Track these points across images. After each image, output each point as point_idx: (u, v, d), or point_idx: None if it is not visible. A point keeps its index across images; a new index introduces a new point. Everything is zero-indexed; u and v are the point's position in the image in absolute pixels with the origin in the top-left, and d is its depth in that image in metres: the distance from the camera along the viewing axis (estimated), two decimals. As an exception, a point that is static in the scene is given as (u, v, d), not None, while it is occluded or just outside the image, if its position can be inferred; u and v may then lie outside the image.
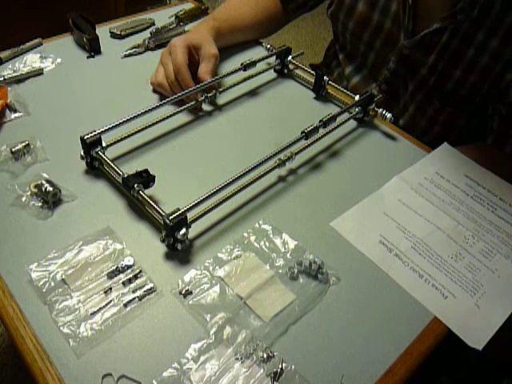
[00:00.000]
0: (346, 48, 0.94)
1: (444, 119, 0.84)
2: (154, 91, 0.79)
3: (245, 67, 0.79)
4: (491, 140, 0.78)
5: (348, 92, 0.79)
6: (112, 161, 0.61)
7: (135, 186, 0.56)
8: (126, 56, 0.87)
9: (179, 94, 0.71)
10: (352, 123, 0.77)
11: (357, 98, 0.75)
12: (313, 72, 0.82)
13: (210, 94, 0.75)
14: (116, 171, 0.60)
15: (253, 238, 0.57)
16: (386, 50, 0.84)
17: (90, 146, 0.61)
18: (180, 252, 0.55)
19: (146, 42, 0.89)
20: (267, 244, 0.57)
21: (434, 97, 0.82)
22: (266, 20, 0.94)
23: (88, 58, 0.86)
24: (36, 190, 0.58)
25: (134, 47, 0.89)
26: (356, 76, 0.94)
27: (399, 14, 0.79)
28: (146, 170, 0.59)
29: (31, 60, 0.83)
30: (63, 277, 0.51)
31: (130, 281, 0.52)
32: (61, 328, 0.47)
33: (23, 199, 0.58)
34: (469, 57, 0.74)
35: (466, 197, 0.66)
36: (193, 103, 0.74)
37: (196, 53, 0.78)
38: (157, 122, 0.69)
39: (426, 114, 0.85)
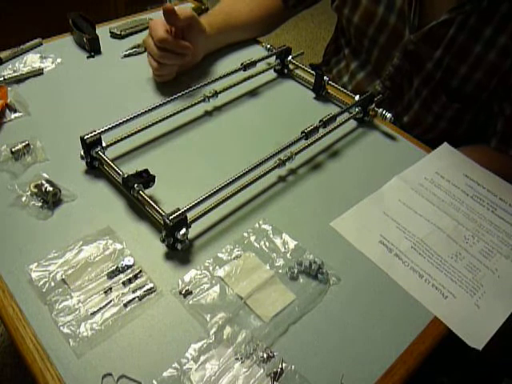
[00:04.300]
0: (352, 43, 0.94)
1: (450, 115, 0.83)
2: (154, 91, 0.79)
3: (245, 67, 0.79)
4: (495, 142, 0.78)
5: (348, 92, 0.79)
6: (112, 161, 0.61)
7: (135, 185, 0.56)
8: (125, 56, 0.87)
9: (177, 95, 0.71)
10: (352, 123, 0.77)
11: (357, 97, 0.75)
12: (313, 72, 0.82)
13: (209, 94, 0.75)
14: (116, 171, 0.60)
15: (253, 238, 0.57)
16: (391, 46, 0.84)
17: (90, 145, 0.61)
18: (180, 252, 0.55)
19: (146, 41, 0.89)
20: (267, 244, 0.57)
21: (439, 93, 0.81)
22: (264, 16, 0.94)
23: (88, 58, 0.86)
24: (36, 190, 0.58)
25: (134, 47, 0.89)
26: (361, 72, 0.94)
27: (404, 9, 0.79)
28: (146, 170, 0.59)
29: (31, 60, 0.83)
30: (63, 277, 0.51)
31: (130, 281, 0.52)
32: (61, 328, 0.47)
33: (23, 199, 0.58)
34: (476, 53, 0.74)
35: (465, 197, 0.66)
36: (193, 103, 0.74)
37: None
38: (157, 122, 0.69)
39: (432, 110, 0.84)
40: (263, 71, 0.85)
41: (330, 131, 0.71)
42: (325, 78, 0.80)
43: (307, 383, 0.45)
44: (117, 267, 0.52)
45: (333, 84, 0.81)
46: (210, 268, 0.54)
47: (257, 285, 0.52)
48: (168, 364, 0.45)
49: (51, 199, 0.58)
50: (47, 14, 1.66)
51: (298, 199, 0.63)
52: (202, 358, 0.46)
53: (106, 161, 0.61)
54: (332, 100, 0.82)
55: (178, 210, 0.53)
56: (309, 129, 0.66)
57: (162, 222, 0.53)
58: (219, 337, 0.47)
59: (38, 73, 0.80)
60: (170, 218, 0.52)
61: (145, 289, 0.51)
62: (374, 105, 0.76)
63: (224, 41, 0.89)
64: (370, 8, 0.84)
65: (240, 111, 0.78)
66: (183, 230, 0.53)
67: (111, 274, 0.52)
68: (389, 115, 0.75)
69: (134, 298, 0.50)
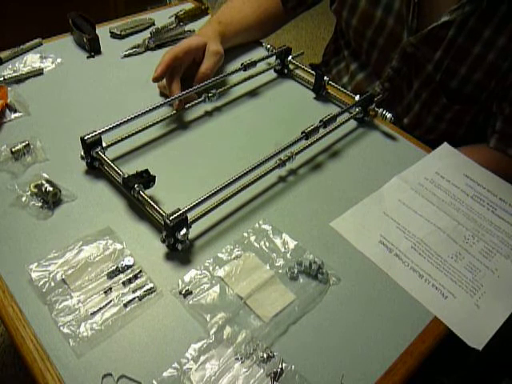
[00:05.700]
0: (351, 45, 0.94)
1: (451, 116, 0.83)
2: (154, 91, 0.79)
3: (245, 67, 0.79)
4: (494, 142, 0.78)
5: (348, 92, 0.79)
6: (112, 161, 0.61)
7: (135, 186, 0.56)
8: (125, 56, 0.87)
9: (176, 96, 0.71)
10: (352, 123, 0.77)
11: (357, 98, 0.75)
12: (313, 72, 0.82)
13: (210, 94, 0.75)
14: (116, 171, 0.60)
15: (253, 238, 0.57)
16: (389, 48, 0.84)
17: (91, 146, 0.61)
18: (180, 252, 0.55)
19: (146, 41, 0.90)
20: (267, 244, 0.57)
21: (439, 94, 0.81)
22: (267, 20, 0.95)
23: (88, 57, 0.86)
24: (36, 190, 0.58)
25: (134, 47, 0.89)
26: (360, 73, 0.94)
27: (402, 11, 0.79)
28: (147, 170, 0.59)
29: (31, 60, 0.83)
30: (63, 277, 0.51)
31: (130, 281, 0.52)
32: (61, 328, 0.47)
33: (23, 199, 0.58)
34: (475, 53, 0.74)
35: (465, 197, 0.66)
36: (193, 103, 0.74)
37: (201, 53, 0.78)
38: (157, 122, 0.69)
39: (432, 111, 0.84)
40: (263, 71, 0.85)
41: (330, 131, 0.71)
42: (325, 78, 0.80)
43: (307, 383, 0.45)
44: (117, 267, 0.52)
45: (333, 84, 0.81)
46: (210, 268, 0.54)
47: (257, 285, 0.52)
48: (168, 364, 0.45)
49: (51, 199, 0.58)
50: (47, 14, 1.66)
51: (298, 199, 0.63)
52: (202, 358, 0.46)
53: (106, 161, 0.61)
54: (332, 100, 0.82)
55: (179, 210, 0.53)
56: (309, 129, 0.66)
57: (162, 222, 0.53)
58: (219, 337, 0.47)
59: (38, 73, 0.80)
60: (171, 218, 0.52)
61: (145, 289, 0.51)
62: (374, 105, 0.76)
63: (229, 47, 0.89)
64: (369, 11, 0.84)
65: (240, 111, 0.78)
66: (184, 231, 0.53)
67: (111, 274, 0.52)
68: (389, 115, 0.75)
69: (134, 298, 0.50)
